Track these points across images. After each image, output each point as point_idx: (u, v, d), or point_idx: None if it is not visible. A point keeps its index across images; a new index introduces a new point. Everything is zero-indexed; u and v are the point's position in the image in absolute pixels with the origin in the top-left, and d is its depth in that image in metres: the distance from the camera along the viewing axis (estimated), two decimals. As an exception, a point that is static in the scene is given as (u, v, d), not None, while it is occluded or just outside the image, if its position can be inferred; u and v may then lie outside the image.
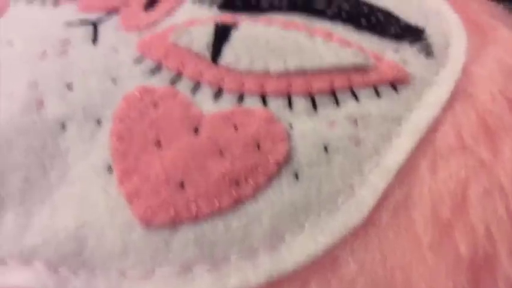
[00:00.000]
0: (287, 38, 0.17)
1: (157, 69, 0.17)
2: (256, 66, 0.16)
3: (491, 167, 0.15)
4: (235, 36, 0.17)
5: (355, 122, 0.15)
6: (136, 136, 0.15)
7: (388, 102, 0.16)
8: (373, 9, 0.18)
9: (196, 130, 0.15)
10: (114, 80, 0.16)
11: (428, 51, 0.17)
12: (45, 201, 0.15)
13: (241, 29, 0.17)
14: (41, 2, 0.20)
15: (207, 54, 0.17)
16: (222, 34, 0.17)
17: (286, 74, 0.16)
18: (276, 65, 0.16)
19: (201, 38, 0.17)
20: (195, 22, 0.18)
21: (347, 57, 0.16)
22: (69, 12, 0.19)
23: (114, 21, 0.18)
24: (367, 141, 0.15)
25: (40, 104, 0.16)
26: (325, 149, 0.15)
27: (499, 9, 0.21)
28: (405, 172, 0.15)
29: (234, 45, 0.17)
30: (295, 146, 0.15)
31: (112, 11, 0.19)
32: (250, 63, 0.16)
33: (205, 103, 0.16)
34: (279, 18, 0.18)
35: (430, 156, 0.15)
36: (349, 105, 0.16)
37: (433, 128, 0.15)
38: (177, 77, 0.16)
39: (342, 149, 0.15)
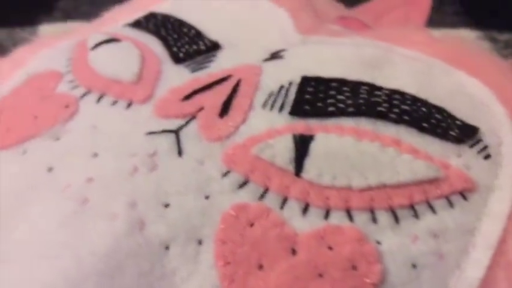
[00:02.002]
0: (364, 152, 0.18)
1: (244, 183, 0.18)
2: (339, 182, 0.17)
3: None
4: (315, 150, 0.18)
5: (435, 236, 0.17)
6: (240, 259, 0.16)
7: (461, 212, 0.17)
8: (431, 109, 0.20)
9: (293, 251, 0.16)
10: (207, 197, 0.18)
11: (486, 153, 0.19)
12: None
13: (318, 141, 0.18)
14: (112, 102, 0.21)
15: (291, 168, 0.18)
16: (302, 147, 0.18)
17: (368, 189, 0.17)
18: (358, 182, 0.17)
19: (283, 152, 0.18)
20: (272, 133, 0.19)
21: (421, 170, 0.18)
22: (146, 117, 0.20)
23: (193, 129, 0.19)
24: (449, 256, 0.17)
25: (142, 224, 0.17)
26: (413, 265, 0.16)
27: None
28: (485, 285, 0.16)
29: (315, 160, 0.18)
30: (386, 265, 0.16)
31: (188, 117, 0.20)
32: (332, 178, 0.18)
33: (294, 218, 0.17)
34: (349, 124, 0.19)
35: (504, 266, 0.17)
36: (428, 218, 0.17)
37: (503, 238, 0.17)
38: (264, 192, 0.18)
39: (428, 265, 0.16)
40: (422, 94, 0.21)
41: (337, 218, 0.17)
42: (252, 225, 0.17)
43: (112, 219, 0.17)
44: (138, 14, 0.28)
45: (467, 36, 0.47)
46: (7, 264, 0.18)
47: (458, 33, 0.48)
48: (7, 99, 0.23)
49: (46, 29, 0.47)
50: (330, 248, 0.16)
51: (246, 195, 0.18)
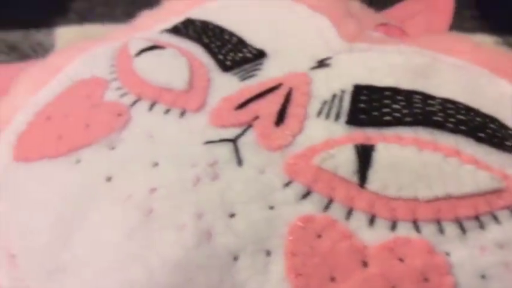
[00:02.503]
0: (427, 162, 0.18)
1: (307, 193, 0.18)
2: (405, 193, 0.18)
3: None
4: (377, 161, 0.18)
5: (502, 246, 0.17)
6: (312, 271, 0.16)
7: None
8: (485, 119, 0.20)
9: (364, 263, 0.16)
10: (271, 207, 0.18)
11: None
12: None
13: (380, 151, 0.18)
14: (165, 110, 0.21)
15: (355, 179, 0.18)
16: (364, 158, 0.18)
17: (434, 200, 0.17)
18: (424, 193, 0.17)
19: (346, 162, 0.18)
20: (332, 143, 0.19)
21: (485, 181, 0.18)
22: (202, 126, 0.20)
23: (250, 138, 0.19)
24: (513, 266, 0.17)
25: (209, 235, 0.17)
26: (482, 277, 0.16)
27: None
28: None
29: (378, 171, 0.18)
30: (456, 277, 0.16)
31: (244, 126, 0.20)
32: (398, 190, 0.18)
33: (361, 230, 0.17)
34: (408, 134, 0.19)
35: None
36: (493, 229, 0.17)
37: None
38: (328, 203, 0.18)
39: (496, 276, 0.17)
40: (472, 103, 0.21)
41: (405, 230, 0.17)
42: (319, 236, 0.17)
43: (180, 229, 0.17)
44: (173, 19, 0.28)
45: (484, 42, 0.47)
46: (67, 276, 0.17)
47: (476, 39, 0.49)
48: (53, 106, 0.23)
49: (63, 31, 0.47)
50: (401, 260, 0.16)
51: (311, 206, 0.18)
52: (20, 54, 0.45)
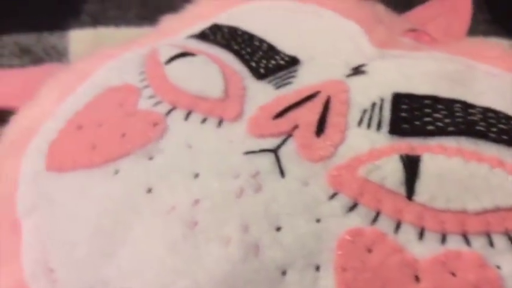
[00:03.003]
0: (474, 173, 0.18)
1: (354, 206, 0.18)
2: (454, 205, 0.17)
3: None
4: (424, 172, 0.18)
5: None
6: (364, 287, 0.16)
7: None
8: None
9: (417, 278, 0.16)
10: (318, 220, 0.17)
11: None
12: None
13: (426, 162, 0.18)
14: (201, 119, 0.20)
15: (402, 191, 0.18)
16: (411, 169, 0.18)
17: (483, 213, 0.17)
18: (473, 205, 0.17)
19: (393, 174, 0.18)
20: (376, 154, 0.18)
21: (532, 193, 0.18)
22: (241, 136, 0.20)
23: (291, 148, 0.19)
24: None
25: (256, 248, 0.17)
26: (535, 289, 0.16)
27: None
28: None
29: (426, 182, 0.18)
30: (510, 291, 0.16)
31: (284, 135, 0.19)
32: (446, 202, 0.17)
33: (410, 244, 0.17)
34: (451, 144, 0.19)
35: None
36: None
37: None
38: (376, 215, 0.17)
39: None
40: (510, 112, 0.21)
41: (455, 243, 0.17)
42: (369, 251, 0.17)
43: (226, 243, 0.17)
44: (198, 25, 0.28)
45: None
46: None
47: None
48: (84, 114, 0.22)
49: (76, 34, 0.46)
50: (453, 275, 0.16)
51: (358, 219, 0.17)
52: (33, 57, 0.44)
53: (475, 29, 0.49)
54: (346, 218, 0.17)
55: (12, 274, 0.18)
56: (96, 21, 0.48)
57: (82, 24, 0.48)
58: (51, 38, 0.45)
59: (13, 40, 0.44)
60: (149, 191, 0.18)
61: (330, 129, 0.19)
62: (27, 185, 0.21)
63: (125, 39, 0.46)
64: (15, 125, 0.25)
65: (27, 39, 0.45)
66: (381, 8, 0.29)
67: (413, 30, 0.28)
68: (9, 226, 0.20)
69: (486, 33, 0.49)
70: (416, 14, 0.40)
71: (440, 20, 0.40)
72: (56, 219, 0.19)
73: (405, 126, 0.19)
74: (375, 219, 0.17)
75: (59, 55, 0.45)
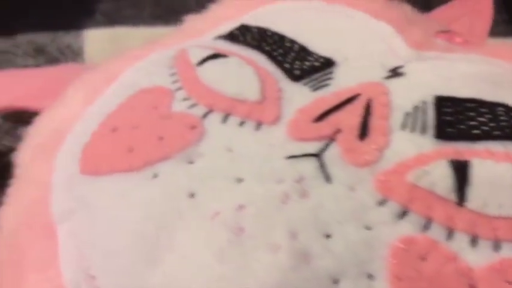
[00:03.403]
0: (525, 179, 0.17)
1: (404, 213, 0.17)
2: (505, 211, 0.17)
3: None
4: (475, 177, 0.17)
5: None
6: (420, 296, 0.15)
7: None
8: None
9: (472, 287, 0.16)
10: (368, 228, 0.17)
11: None
12: None
13: (475, 167, 0.18)
14: (239, 122, 0.20)
15: (453, 197, 0.17)
16: (461, 174, 0.17)
17: None
18: (525, 211, 0.17)
19: (443, 179, 0.17)
20: (423, 159, 0.18)
21: None
22: (282, 140, 0.19)
23: (335, 152, 0.19)
24: None
25: (306, 256, 0.16)
26: None
27: None
28: None
29: (477, 189, 0.17)
30: None
31: (326, 139, 0.19)
32: (498, 208, 0.17)
33: (464, 251, 0.16)
34: (498, 149, 0.18)
35: None
36: None
37: None
38: (427, 223, 0.17)
39: None
40: None
41: (509, 250, 0.16)
42: (424, 259, 0.16)
43: (274, 250, 0.16)
44: (224, 25, 0.27)
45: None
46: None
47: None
48: (117, 117, 0.22)
49: (92, 34, 0.46)
50: (510, 283, 0.16)
51: (409, 227, 0.17)
52: (48, 57, 0.44)
53: (494, 29, 0.49)
54: (397, 225, 0.17)
55: (51, 280, 0.18)
56: (111, 20, 0.48)
57: (97, 24, 0.47)
58: (66, 38, 0.44)
59: (27, 39, 0.44)
60: (191, 195, 0.18)
61: (373, 133, 0.19)
62: (61, 188, 0.20)
63: (141, 39, 0.46)
64: (40, 126, 0.25)
65: (41, 38, 0.44)
66: (409, 9, 0.29)
67: (445, 32, 0.27)
68: (42, 231, 0.20)
69: (505, 34, 0.49)
70: (438, 15, 0.40)
71: (463, 20, 0.40)
72: (95, 224, 0.18)
73: (450, 130, 0.19)
74: (426, 227, 0.17)
75: (74, 55, 0.44)
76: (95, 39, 0.45)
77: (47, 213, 0.20)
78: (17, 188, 0.22)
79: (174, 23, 0.48)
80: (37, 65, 0.42)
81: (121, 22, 0.46)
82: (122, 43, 0.45)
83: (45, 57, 0.44)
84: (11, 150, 0.34)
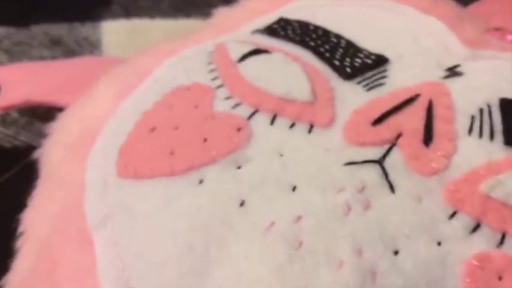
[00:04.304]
0: None
1: (476, 226, 0.16)
2: None
3: None
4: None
5: None
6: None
7: None
8: None
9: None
10: (439, 243, 0.15)
11: None
12: None
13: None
14: (289, 124, 0.19)
15: (528, 209, 0.16)
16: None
17: None
18: None
19: (518, 190, 0.16)
20: (495, 167, 0.17)
21: None
22: (338, 144, 0.18)
23: (398, 159, 0.17)
24: None
25: (373, 274, 0.15)
26: None
27: None
28: None
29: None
30: None
31: (387, 144, 0.18)
32: None
33: None
34: None
35: None
36: None
37: None
38: (502, 238, 0.16)
39: None
40: None
41: None
42: (500, 278, 0.15)
43: (338, 267, 0.15)
44: (259, 20, 0.26)
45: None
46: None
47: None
48: (155, 116, 0.20)
49: (109, 25, 0.44)
50: None
51: (483, 242, 0.15)
52: (65, 49, 0.42)
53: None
54: (469, 240, 0.15)
55: (89, 292, 0.17)
56: (128, 12, 0.46)
57: (114, 15, 0.46)
58: (82, 29, 0.43)
59: (42, 30, 0.43)
60: (242, 204, 0.16)
61: (438, 138, 0.18)
62: (97, 192, 0.19)
63: (160, 32, 0.45)
64: (69, 123, 0.24)
65: (57, 29, 0.43)
66: (455, 5, 0.28)
67: (497, 29, 0.26)
68: (78, 237, 0.18)
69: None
70: (474, 11, 0.38)
71: (497, 18, 0.38)
72: (136, 232, 0.17)
73: (522, 138, 0.18)
74: (501, 242, 0.16)
75: (91, 47, 0.43)
76: (113, 31, 0.43)
77: (81, 218, 0.18)
78: (45, 190, 0.21)
79: (195, 16, 0.46)
80: (53, 57, 0.41)
81: (138, 14, 0.45)
82: (140, 35, 0.44)
83: (62, 49, 0.42)
84: (30, 146, 0.33)
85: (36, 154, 0.24)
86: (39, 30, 0.42)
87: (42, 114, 0.33)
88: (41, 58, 0.41)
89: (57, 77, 0.33)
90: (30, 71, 0.34)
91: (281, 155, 0.18)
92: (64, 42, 0.42)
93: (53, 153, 0.23)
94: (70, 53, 0.41)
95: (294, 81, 0.20)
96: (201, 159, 0.18)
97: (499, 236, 0.16)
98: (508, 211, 0.16)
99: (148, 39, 0.43)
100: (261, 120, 0.19)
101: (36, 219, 0.20)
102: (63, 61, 0.39)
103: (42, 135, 0.26)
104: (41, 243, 0.19)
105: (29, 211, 0.21)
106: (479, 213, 0.16)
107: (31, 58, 0.40)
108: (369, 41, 0.22)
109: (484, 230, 0.16)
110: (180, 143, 0.19)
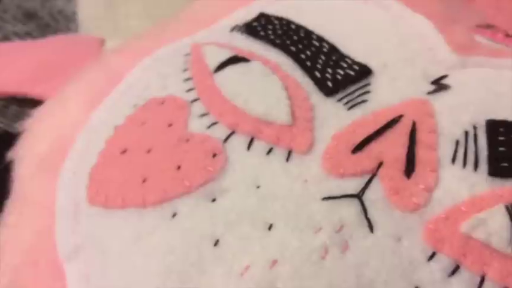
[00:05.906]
0: None
1: (455, 269, 0.15)
2: None
3: None
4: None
5: None
6: None
7: None
8: None
9: None
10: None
11: None
12: None
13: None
14: (267, 149, 0.18)
15: (509, 251, 0.15)
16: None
17: None
18: None
19: (500, 230, 0.15)
20: (477, 202, 0.16)
21: None
22: (316, 174, 0.17)
23: (377, 192, 0.16)
24: None
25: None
26: None
27: None
28: None
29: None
30: None
31: (367, 175, 0.17)
32: None
33: None
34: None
35: None
36: None
37: None
38: (480, 282, 0.15)
39: None
40: None
41: None
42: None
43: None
44: (240, 11, 0.24)
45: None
46: None
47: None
48: (127, 134, 0.19)
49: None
50: None
51: (461, 286, 0.15)
52: (39, 23, 0.40)
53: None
54: (448, 284, 0.15)
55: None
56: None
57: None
58: (57, 2, 0.41)
59: (15, 3, 0.40)
60: (216, 243, 0.16)
61: (421, 168, 0.17)
62: (68, 220, 0.18)
63: (138, 5, 0.42)
64: (39, 132, 0.23)
65: (31, 2, 0.41)
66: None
67: (488, 27, 0.24)
68: (49, 269, 0.18)
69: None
70: (479, 5, 0.37)
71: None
72: (108, 271, 0.16)
73: (505, 165, 0.17)
74: (479, 286, 0.15)
75: (66, 20, 0.41)
76: (90, 4, 0.41)
77: (52, 247, 0.18)
78: (16, 211, 0.20)
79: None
80: (28, 32, 0.39)
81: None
82: (118, 8, 0.42)
83: (36, 23, 0.40)
84: (5, 132, 0.32)
85: (8, 157, 0.23)
86: (12, 4, 0.40)
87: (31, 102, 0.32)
88: (15, 33, 0.39)
89: (29, 64, 0.31)
90: (1, 57, 0.32)
91: (258, 187, 0.17)
92: (38, 15, 0.40)
93: (24, 165, 0.22)
94: (45, 27, 0.40)
95: (272, 100, 0.19)
96: (174, 190, 0.17)
97: (478, 279, 0.15)
98: (488, 252, 0.15)
99: (127, 12, 0.41)
100: (237, 144, 0.18)
101: (8, 247, 0.19)
102: (35, 42, 0.37)
103: (18, 119, 0.25)
104: (12, 273, 0.18)
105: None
106: (459, 255, 0.15)
107: (5, 34, 0.39)
108: (353, 44, 0.21)
109: (463, 273, 0.15)
110: (152, 169, 0.18)
